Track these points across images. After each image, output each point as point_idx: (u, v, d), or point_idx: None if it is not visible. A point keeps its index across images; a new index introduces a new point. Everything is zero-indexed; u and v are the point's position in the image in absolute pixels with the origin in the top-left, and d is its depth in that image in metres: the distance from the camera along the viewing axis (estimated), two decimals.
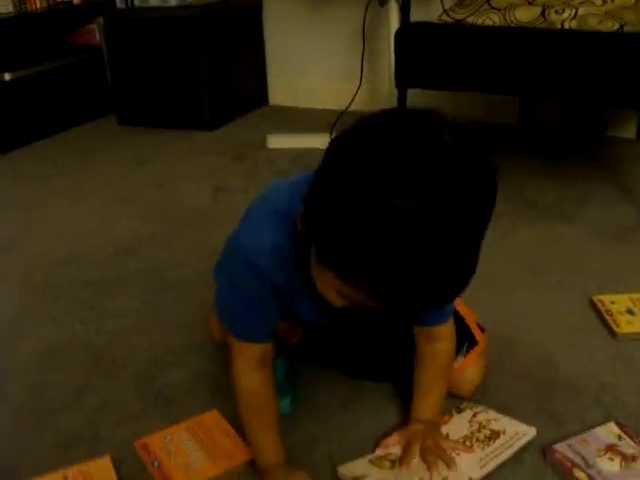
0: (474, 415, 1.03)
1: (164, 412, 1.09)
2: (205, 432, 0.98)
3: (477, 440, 0.97)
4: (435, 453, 0.94)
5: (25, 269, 1.63)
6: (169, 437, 0.98)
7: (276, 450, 0.93)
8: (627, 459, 0.93)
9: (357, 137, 0.69)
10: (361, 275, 0.67)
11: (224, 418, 1.03)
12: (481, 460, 0.94)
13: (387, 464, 0.95)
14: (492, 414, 1.03)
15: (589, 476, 0.90)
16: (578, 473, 0.91)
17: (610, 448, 0.95)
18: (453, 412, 1.05)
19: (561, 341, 1.24)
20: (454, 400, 1.07)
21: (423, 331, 0.99)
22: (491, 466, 0.94)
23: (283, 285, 0.85)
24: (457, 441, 0.98)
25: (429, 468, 0.93)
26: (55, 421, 1.09)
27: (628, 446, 0.95)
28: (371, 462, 0.95)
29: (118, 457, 0.99)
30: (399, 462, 0.95)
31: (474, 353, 1.09)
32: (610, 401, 1.07)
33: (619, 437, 0.97)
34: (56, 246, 1.73)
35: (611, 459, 0.93)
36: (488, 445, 0.96)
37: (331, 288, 0.74)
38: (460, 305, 1.08)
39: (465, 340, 1.08)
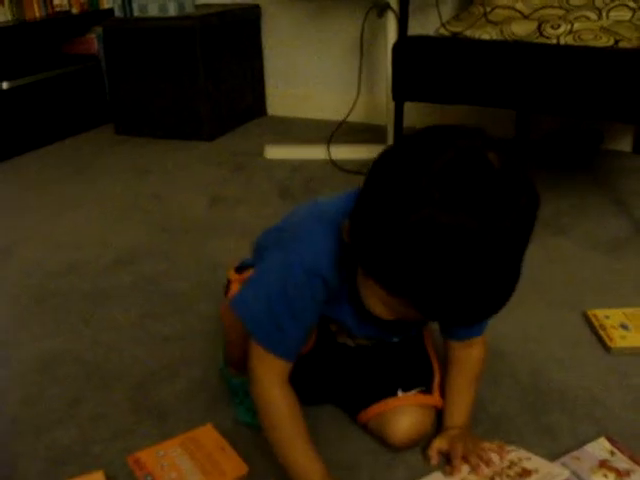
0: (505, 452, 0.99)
1: (158, 426, 1.09)
2: (199, 447, 0.98)
3: (507, 476, 0.94)
4: (477, 454, 0.95)
5: (21, 278, 1.63)
6: (162, 452, 0.98)
7: (319, 463, 0.87)
8: (621, 474, 0.93)
9: (402, 152, 0.71)
10: (403, 288, 0.70)
11: (218, 432, 1.03)
12: None
13: None
14: (524, 453, 0.98)
15: None
16: None
17: (603, 464, 0.95)
18: None
19: (555, 354, 1.24)
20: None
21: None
22: None
23: (334, 288, 0.84)
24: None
25: (473, 469, 0.93)
26: (49, 435, 1.09)
27: (621, 461, 0.95)
28: None
29: (111, 472, 0.99)
30: (449, 466, 0.95)
31: (417, 397, 1.01)
32: (602, 415, 1.08)
33: (611, 452, 0.97)
34: (53, 256, 1.73)
35: (605, 475, 0.93)
36: None
37: (375, 298, 0.76)
38: (435, 358, 1.07)
39: (423, 383, 1.03)
